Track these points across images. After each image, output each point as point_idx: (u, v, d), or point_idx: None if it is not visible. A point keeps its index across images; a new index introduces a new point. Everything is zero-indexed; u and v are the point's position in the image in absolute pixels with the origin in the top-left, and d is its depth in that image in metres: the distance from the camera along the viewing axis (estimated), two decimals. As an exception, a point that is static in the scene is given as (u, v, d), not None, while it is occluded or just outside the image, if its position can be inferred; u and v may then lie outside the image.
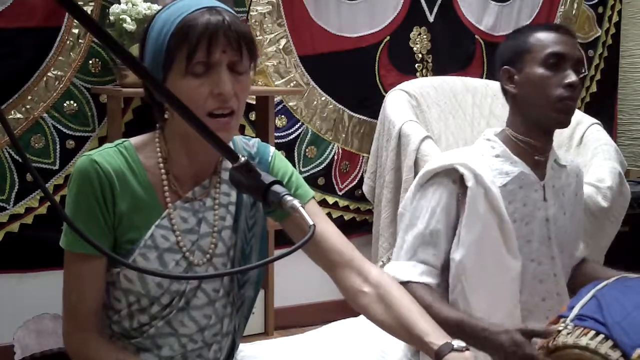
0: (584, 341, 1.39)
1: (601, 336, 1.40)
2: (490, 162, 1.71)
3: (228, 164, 1.37)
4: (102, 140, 2.76)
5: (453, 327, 1.46)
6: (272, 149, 1.48)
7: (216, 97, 1.25)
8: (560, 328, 1.45)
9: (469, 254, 1.62)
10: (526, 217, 1.72)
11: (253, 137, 1.51)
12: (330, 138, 3.27)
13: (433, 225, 1.66)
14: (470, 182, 1.64)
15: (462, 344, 1.26)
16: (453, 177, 1.67)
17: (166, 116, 1.34)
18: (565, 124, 1.72)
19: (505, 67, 1.76)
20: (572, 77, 1.67)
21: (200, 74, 1.24)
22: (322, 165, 3.26)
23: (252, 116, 3.05)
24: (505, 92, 1.78)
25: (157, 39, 1.26)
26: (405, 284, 1.58)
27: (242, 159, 1.05)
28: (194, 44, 1.22)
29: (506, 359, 1.46)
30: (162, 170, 1.34)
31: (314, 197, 1.46)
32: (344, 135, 3.30)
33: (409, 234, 1.69)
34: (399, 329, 1.34)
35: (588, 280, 1.85)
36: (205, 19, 1.23)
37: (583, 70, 1.74)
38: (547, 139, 1.74)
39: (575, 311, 1.47)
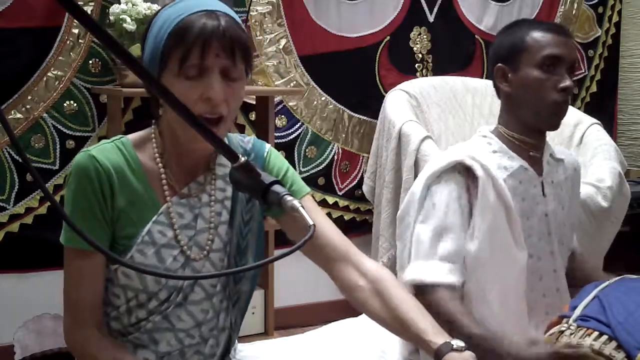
0: (587, 342, 1.39)
1: (605, 337, 1.40)
2: (488, 157, 1.71)
3: (222, 160, 1.38)
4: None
5: (476, 345, 1.43)
6: (268, 145, 1.48)
7: (206, 101, 1.26)
8: (564, 328, 1.45)
9: (482, 245, 1.62)
10: (526, 212, 1.71)
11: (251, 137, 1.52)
12: (330, 138, 3.27)
13: (449, 219, 1.64)
14: (479, 171, 1.64)
15: (462, 343, 1.26)
16: (459, 169, 1.67)
17: (160, 112, 1.35)
18: (557, 126, 1.73)
19: (499, 64, 1.75)
20: (567, 82, 1.67)
21: (193, 77, 1.26)
22: (322, 165, 3.26)
23: (252, 116, 3.05)
24: (497, 89, 1.78)
25: (156, 37, 1.28)
26: (430, 287, 1.58)
27: (242, 158, 1.05)
28: (188, 47, 1.24)
29: None
30: (160, 165, 1.35)
31: (309, 193, 1.47)
32: (344, 135, 3.30)
33: (424, 232, 1.66)
34: (397, 325, 1.33)
35: (582, 277, 1.85)
36: (202, 23, 1.24)
37: (578, 71, 1.74)
38: (540, 137, 1.75)
39: (577, 311, 1.47)
